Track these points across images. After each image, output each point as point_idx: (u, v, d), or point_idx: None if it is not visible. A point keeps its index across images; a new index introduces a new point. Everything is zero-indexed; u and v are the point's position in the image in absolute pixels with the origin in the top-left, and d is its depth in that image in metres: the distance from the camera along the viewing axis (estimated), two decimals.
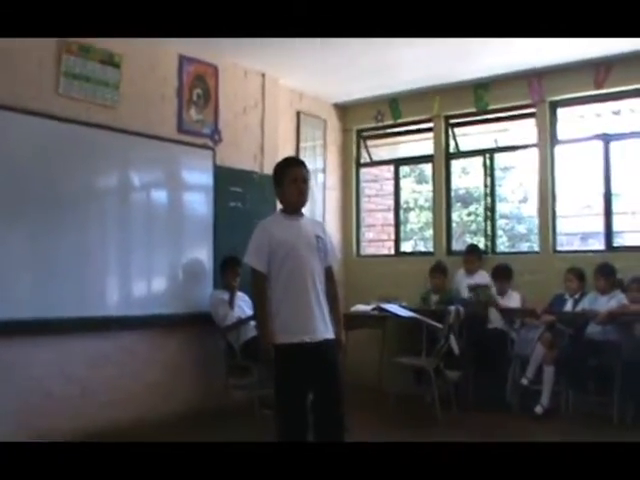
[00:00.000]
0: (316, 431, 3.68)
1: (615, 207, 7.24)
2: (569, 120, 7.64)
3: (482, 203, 8.31)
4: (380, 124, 8.85)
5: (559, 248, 7.56)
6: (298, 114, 8.38)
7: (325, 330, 3.76)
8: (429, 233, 8.73)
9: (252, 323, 6.69)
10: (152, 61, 6.50)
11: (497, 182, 8.22)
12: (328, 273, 3.94)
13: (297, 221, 3.86)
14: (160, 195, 6.67)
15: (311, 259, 3.76)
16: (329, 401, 3.71)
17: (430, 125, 8.49)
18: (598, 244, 7.39)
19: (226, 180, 7.11)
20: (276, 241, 3.72)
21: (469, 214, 8.96)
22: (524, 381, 6.57)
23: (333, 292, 3.95)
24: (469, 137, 8.46)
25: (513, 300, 7.17)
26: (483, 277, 7.49)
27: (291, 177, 3.84)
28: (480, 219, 8.47)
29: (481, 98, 7.98)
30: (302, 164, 4.00)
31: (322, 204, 8.44)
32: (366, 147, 9.20)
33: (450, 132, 8.41)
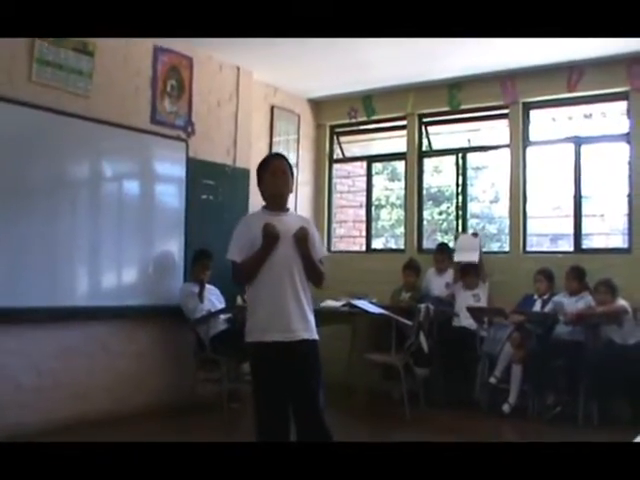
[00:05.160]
0: (299, 440, 3.49)
1: (585, 209, 7.33)
2: (541, 122, 7.71)
3: (453, 202, 8.36)
4: (353, 120, 8.85)
5: (529, 249, 7.64)
6: (272, 108, 8.36)
7: (304, 330, 3.55)
8: (400, 231, 8.74)
9: (221, 317, 6.69)
10: (126, 51, 6.41)
11: (469, 182, 8.27)
12: None
13: (279, 217, 3.65)
14: (132, 186, 6.62)
15: (290, 256, 3.57)
16: (307, 407, 3.51)
17: (403, 123, 8.51)
18: (567, 246, 7.47)
19: (198, 173, 7.07)
20: (254, 235, 3.53)
21: (440, 213, 8.99)
22: (492, 380, 6.61)
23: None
24: (442, 136, 8.51)
25: (483, 292, 7.28)
26: (452, 276, 7.55)
27: (270, 170, 3.69)
28: (451, 218, 8.51)
29: (454, 97, 8.02)
30: (281, 157, 3.88)
31: (294, 199, 8.42)
32: (339, 143, 9.20)
33: (423, 130, 8.44)
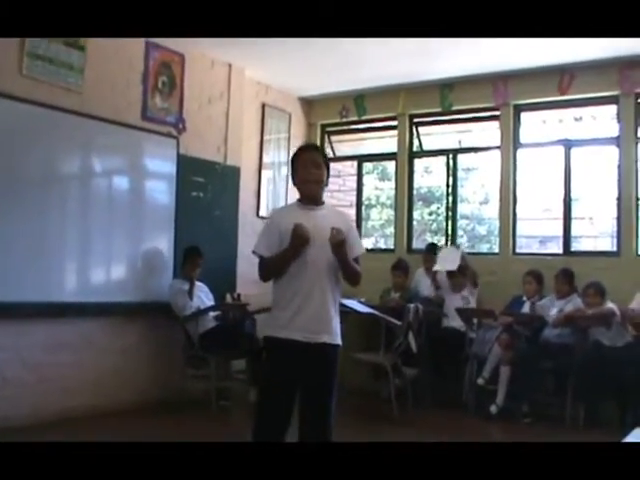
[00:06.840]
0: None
1: (574, 212, 7.36)
2: (532, 124, 7.74)
3: (443, 203, 8.37)
4: (345, 120, 8.85)
5: (518, 250, 7.65)
6: (263, 106, 8.34)
7: (325, 332, 3.38)
8: (390, 230, 8.75)
9: (210, 314, 6.68)
10: (118, 46, 6.36)
11: (459, 182, 8.29)
12: None
13: (312, 211, 3.49)
14: (122, 182, 6.59)
15: (320, 255, 3.38)
16: (314, 411, 3.37)
17: (394, 123, 8.51)
18: (556, 248, 7.50)
19: (189, 170, 7.05)
20: (283, 231, 3.38)
21: (430, 213, 9.01)
22: (480, 381, 6.61)
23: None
24: (433, 137, 8.53)
25: (472, 294, 7.29)
26: (442, 275, 7.53)
27: (302, 162, 3.52)
28: (441, 219, 8.52)
29: (446, 98, 8.02)
30: (315, 148, 3.73)
31: (285, 198, 8.41)
32: (330, 142, 9.20)
33: (414, 131, 8.44)
